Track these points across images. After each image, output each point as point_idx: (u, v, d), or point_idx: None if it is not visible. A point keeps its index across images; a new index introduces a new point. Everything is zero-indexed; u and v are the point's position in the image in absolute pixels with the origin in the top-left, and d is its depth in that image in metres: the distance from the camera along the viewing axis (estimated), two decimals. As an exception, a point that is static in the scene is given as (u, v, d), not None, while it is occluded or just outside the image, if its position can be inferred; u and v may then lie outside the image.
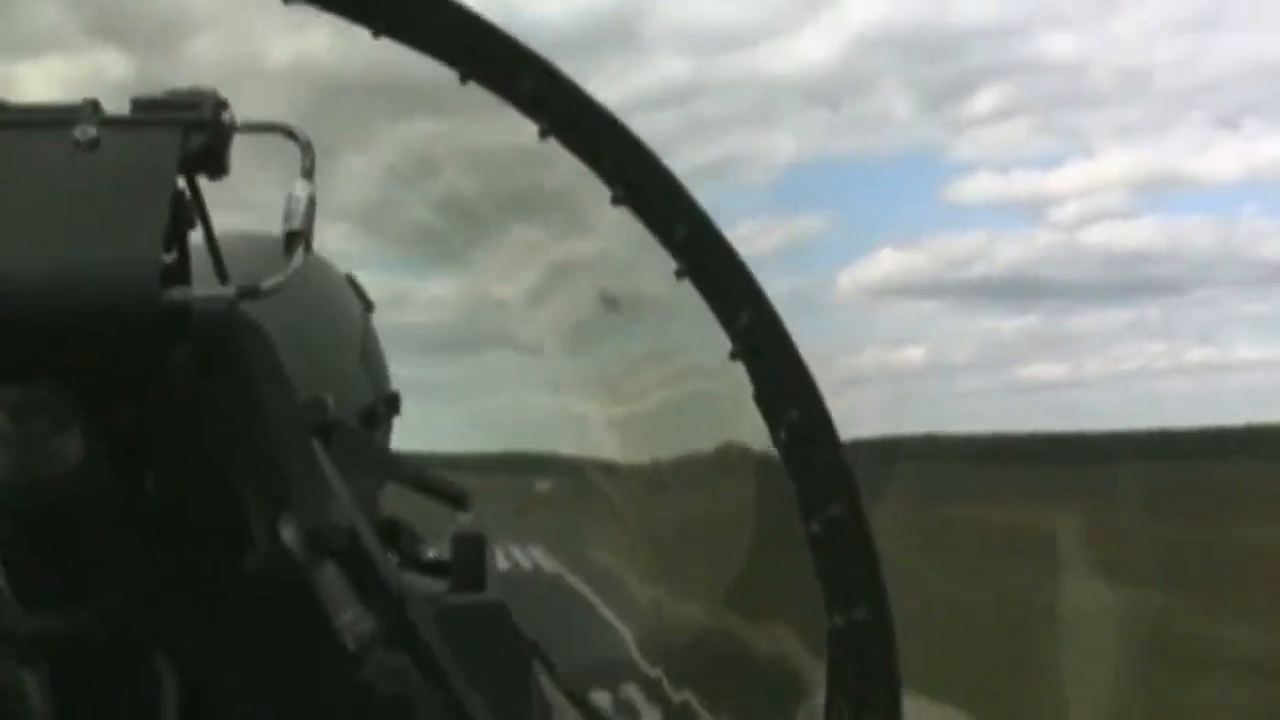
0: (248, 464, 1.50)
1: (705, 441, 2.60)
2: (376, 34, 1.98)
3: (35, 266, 1.40)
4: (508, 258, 2.50)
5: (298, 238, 1.49)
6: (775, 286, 1.96)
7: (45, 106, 1.53)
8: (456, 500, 2.15)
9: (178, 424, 1.50)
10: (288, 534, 1.49)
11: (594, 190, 2.02)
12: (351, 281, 2.16)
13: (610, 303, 2.37)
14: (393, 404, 2.13)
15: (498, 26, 1.97)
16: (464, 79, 1.99)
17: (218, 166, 1.53)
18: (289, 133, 1.57)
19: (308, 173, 1.53)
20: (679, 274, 2.00)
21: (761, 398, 1.97)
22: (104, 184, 1.45)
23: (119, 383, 1.45)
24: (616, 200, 2.00)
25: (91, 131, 1.47)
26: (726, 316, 1.98)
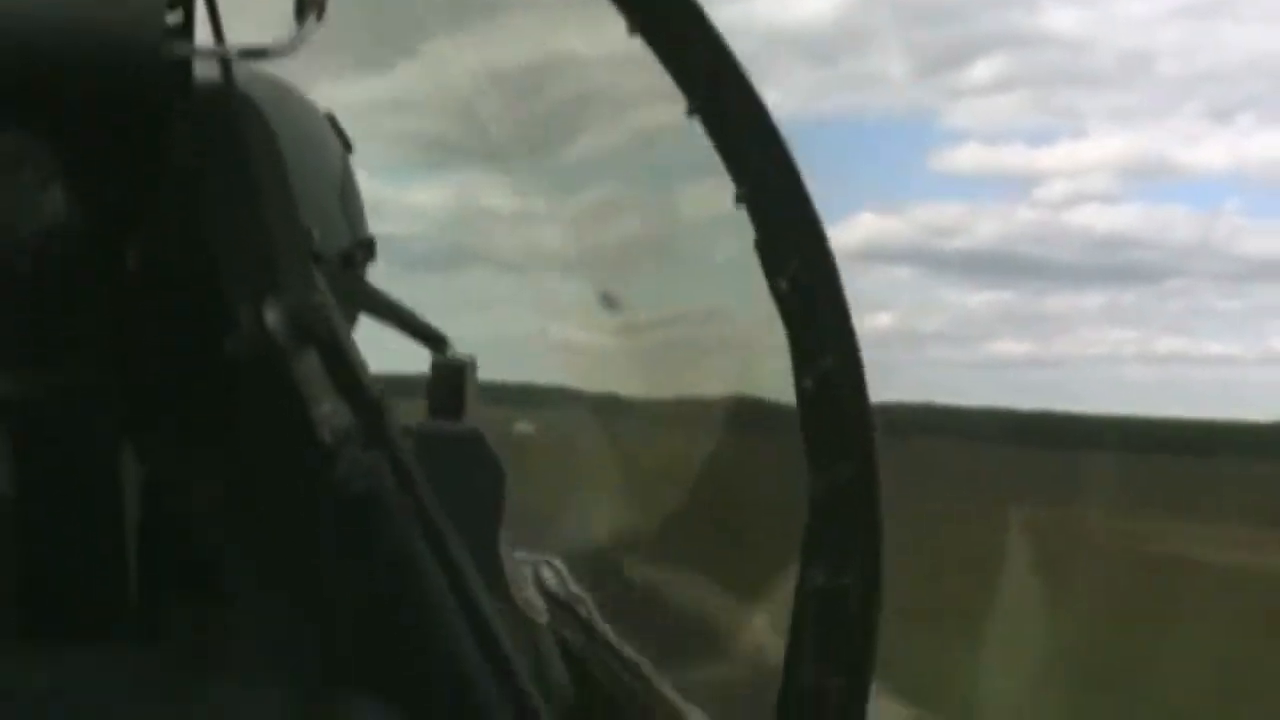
0: (237, 240, 1.48)
1: (688, 386, 2.54)
2: None
3: (33, 11, 1.38)
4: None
5: (310, 3, 1.47)
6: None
7: None
8: (435, 341, 2.15)
9: (169, 194, 1.47)
10: (272, 316, 1.47)
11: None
12: (332, 121, 2.10)
13: (610, 301, 2.36)
14: (369, 248, 2.08)
15: None
16: None
17: None
18: None
19: None
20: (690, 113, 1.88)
21: (764, 246, 1.89)
22: None
23: (112, 143, 1.43)
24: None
25: None
26: (734, 157, 1.88)
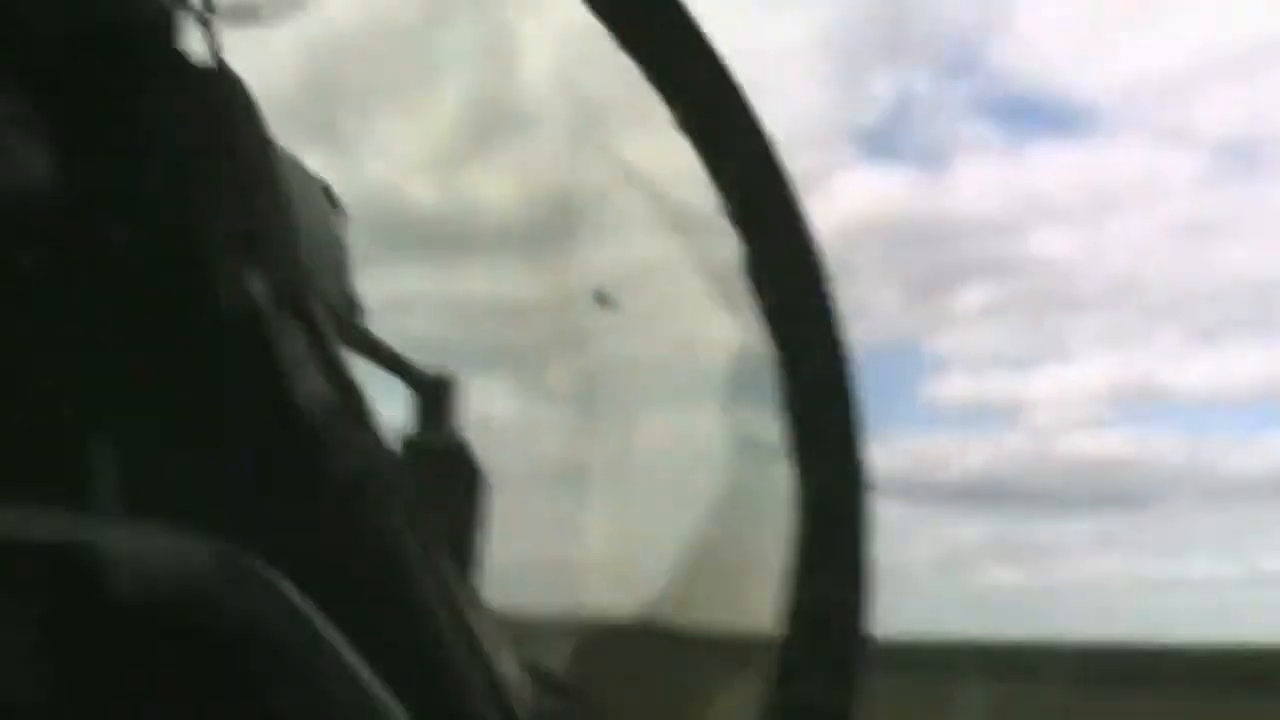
0: (222, 202, 1.45)
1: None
2: None
3: None
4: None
5: None
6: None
7: None
8: (405, 371, 2.06)
9: (150, 154, 1.44)
10: (255, 284, 1.44)
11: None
12: (327, 190, 2.06)
13: (603, 299, 2.32)
14: (360, 315, 2.02)
15: None
16: None
17: None
18: None
19: None
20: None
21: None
22: None
23: (95, 98, 1.40)
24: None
25: None
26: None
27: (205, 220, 1.46)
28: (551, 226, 2.09)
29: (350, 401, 1.51)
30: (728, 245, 1.79)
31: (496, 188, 2.21)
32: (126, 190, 1.45)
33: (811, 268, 1.76)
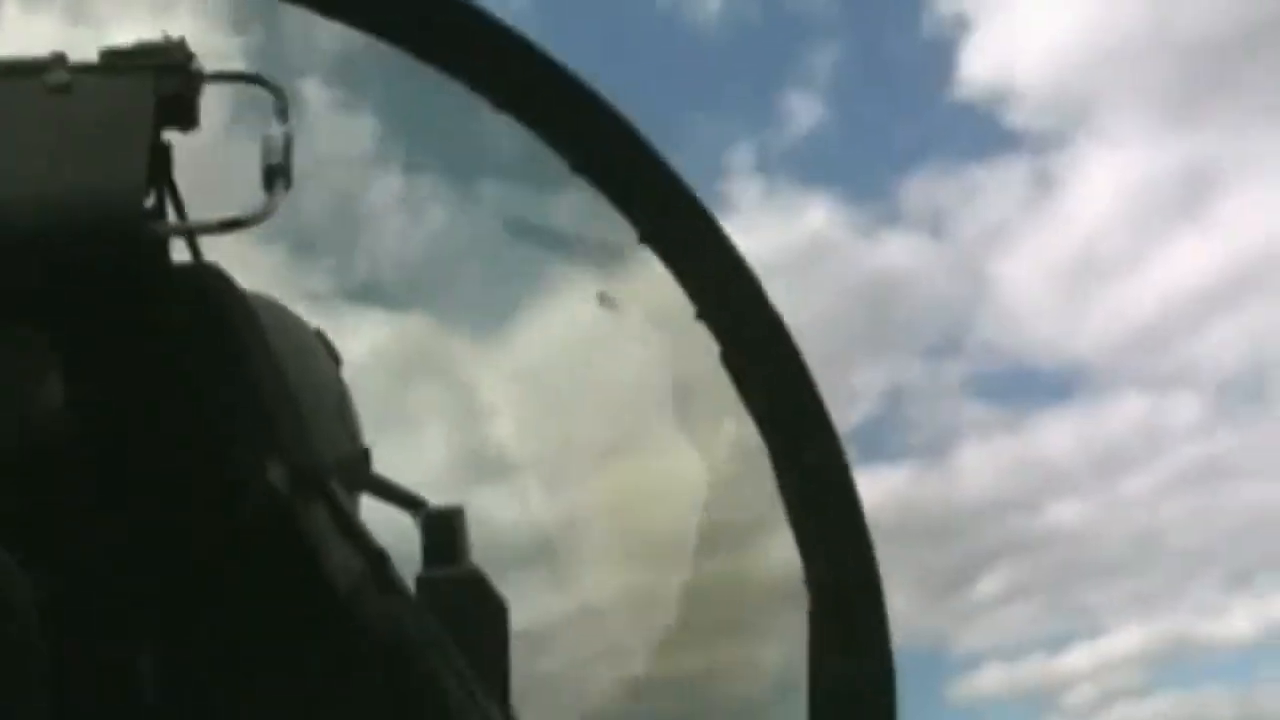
0: (232, 405, 1.52)
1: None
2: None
3: (16, 202, 1.42)
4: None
5: (277, 172, 1.53)
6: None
7: (14, 59, 1.56)
8: (412, 504, 2.16)
9: (161, 370, 1.51)
10: (275, 473, 1.50)
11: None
12: (320, 336, 2.14)
13: (606, 300, 2.34)
14: (367, 457, 2.10)
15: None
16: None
17: (189, 117, 1.57)
18: (261, 81, 1.62)
19: (282, 113, 1.58)
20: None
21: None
22: (81, 125, 1.48)
23: (101, 323, 1.46)
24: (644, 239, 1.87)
25: (64, 77, 1.51)
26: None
27: (218, 421, 1.53)
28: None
29: (376, 566, 1.59)
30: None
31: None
32: (140, 406, 1.51)
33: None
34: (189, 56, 1.57)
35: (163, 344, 1.50)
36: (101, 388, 1.48)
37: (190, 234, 1.52)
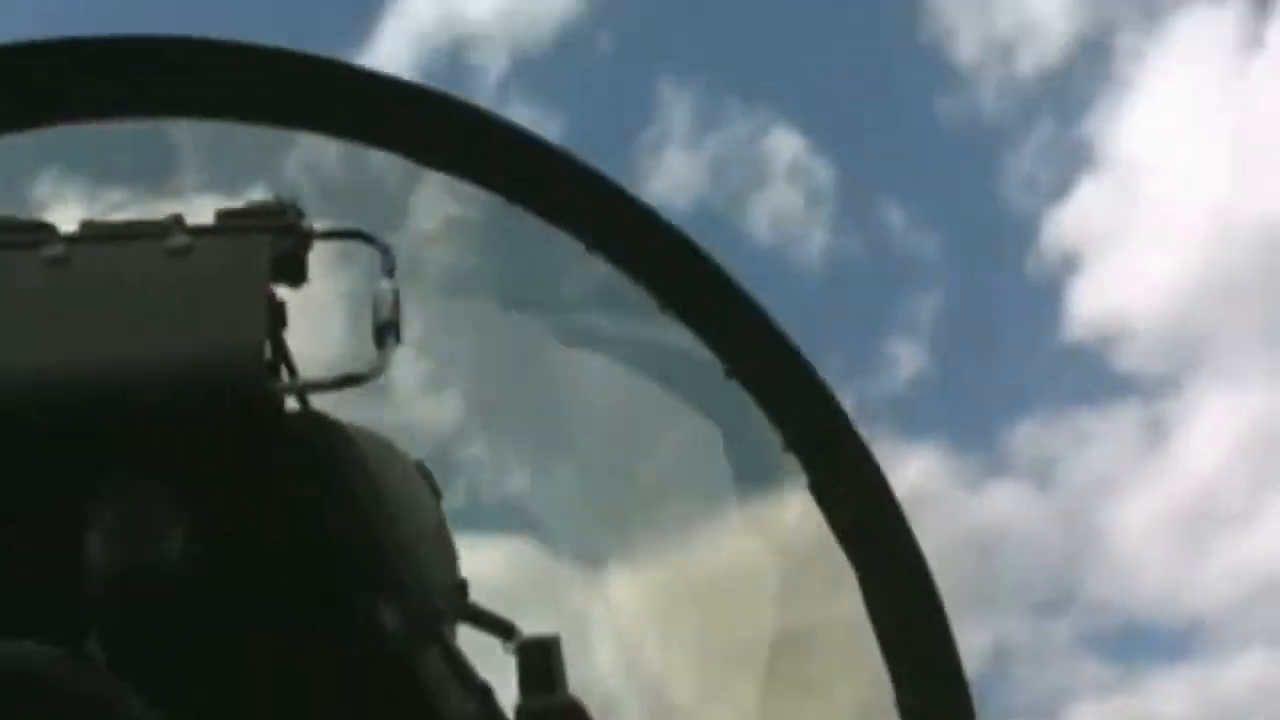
0: (346, 550, 1.57)
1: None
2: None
3: (144, 364, 1.49)
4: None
5: (388, 329, 1.58)
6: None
7: (134, 221, 1.64)
8: (505, 631, 2.13)
9: (275, 516, 1.56)
10: (389, 616, 1.55)
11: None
12: (420, 467, 2.13)
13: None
14: (464, 590, 2.09)
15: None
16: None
17: (299, 273, 1.63)
18: (367, 237, 1.68)
19: (390, 271, 1.63)
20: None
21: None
22: (200, 287, 1.54)
23: (220, 474, 1.52)
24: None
25: (183, 240, 1.58)
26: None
27: (333, 566, 1.58)
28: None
29: (483, 703, 1.64)
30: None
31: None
32: (256, 552, 1.57)
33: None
34: (300, 215, 1.65)
35: (277, 491, 1.55)
36: (220, 535, 1.52)
37: (307, 391, 1.59)
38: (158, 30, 1.97)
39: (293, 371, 1.64)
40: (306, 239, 1.64)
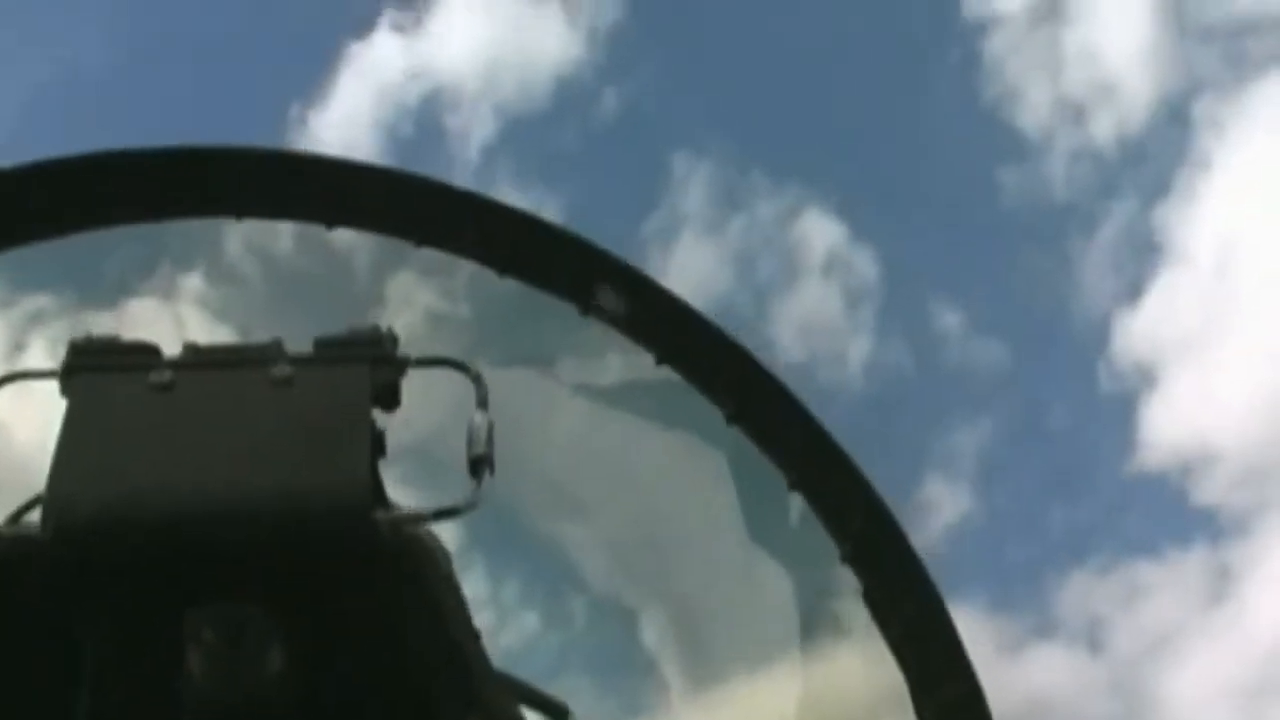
0: (438, 666, 1.62)
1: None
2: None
3: (250, 495, 1.53)
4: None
5: (482, 461, 1.63)
6: None
7: (238, 347, 1.71)
8: (558, 713, 2.18)
9: (372, 636, 1.61)
10: None
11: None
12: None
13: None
14: (479, 639, 2.11)
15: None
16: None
17: (393, 399, 1.67)
18: (460, 366, 1.72)
19: (483, 402, 1.68)
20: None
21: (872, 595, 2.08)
22: (304, 417, 1.59)
23: (322, 601, 1.57)
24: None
25: (287, 369, 1.62)
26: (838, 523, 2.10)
27: (425, 680, 1.63)
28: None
29: None
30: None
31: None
32: (353, 671, 1.62)
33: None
34: (395, 343, 1.69)
35: (375, 612, 1.60)
36: (319, 660, 1.58)
37: (407, 524, 1.61)
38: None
39: (385, 500, 1.67)
40: (401, 367, 1.68)
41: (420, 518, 1.60)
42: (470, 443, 1.64)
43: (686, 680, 2.40)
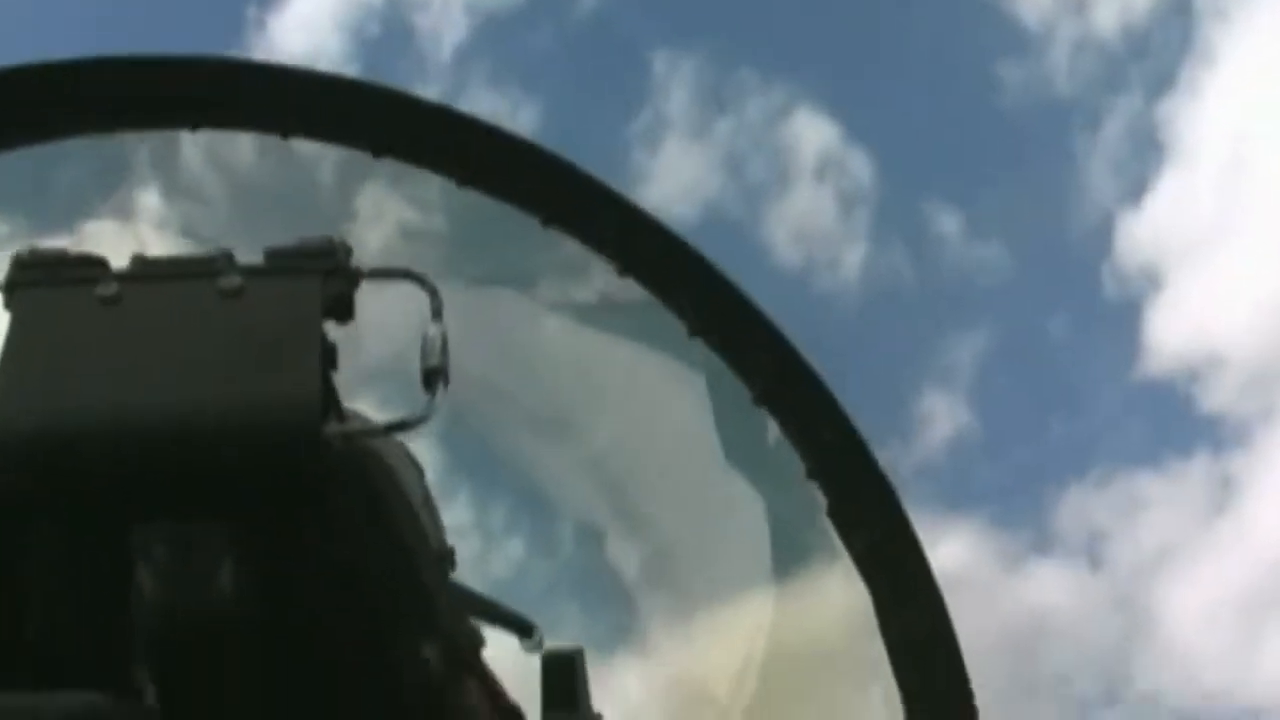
0: (393, 589, 1.59)
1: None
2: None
3: (199, 409, 1.49)
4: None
5: (436, 373, 1.59)
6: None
7: (185, 259, 1.65)
8: (523, 629, 2.19)
9: (324, 557, 1.57)
10: (430, 651, 1.58)
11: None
12: (406, 452, 2.14)
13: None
14: (452, 558, 2.11)
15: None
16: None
17: (346, 311, 1.63)
18: (418, 278, 1.67)
19: (437, 313, 1.63)
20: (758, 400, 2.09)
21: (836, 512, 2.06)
22: (254, 329, 1.54)
23: (272, 516, 1.53)
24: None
25: (236, 280, 1.57)
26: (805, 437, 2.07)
27: (379, 604, 1.60)
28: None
29: None
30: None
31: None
32: (305, 593, 1.58)
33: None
34: (349, 254, 1.64)
35: (325, 532, 1.56)
36: (270, 575, 1.54)
37: (358, 437, 1.58)
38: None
39: (340, 414, 1.64)
40: (355, 279, 1.64)
41: (372, 430, 1.57)
42: (424, 354, 1.60)
43: (660, 605, 2.38)
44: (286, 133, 2.21)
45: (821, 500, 2.05)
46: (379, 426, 1.57)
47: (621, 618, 2.37)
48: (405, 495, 1.64)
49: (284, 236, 2.06)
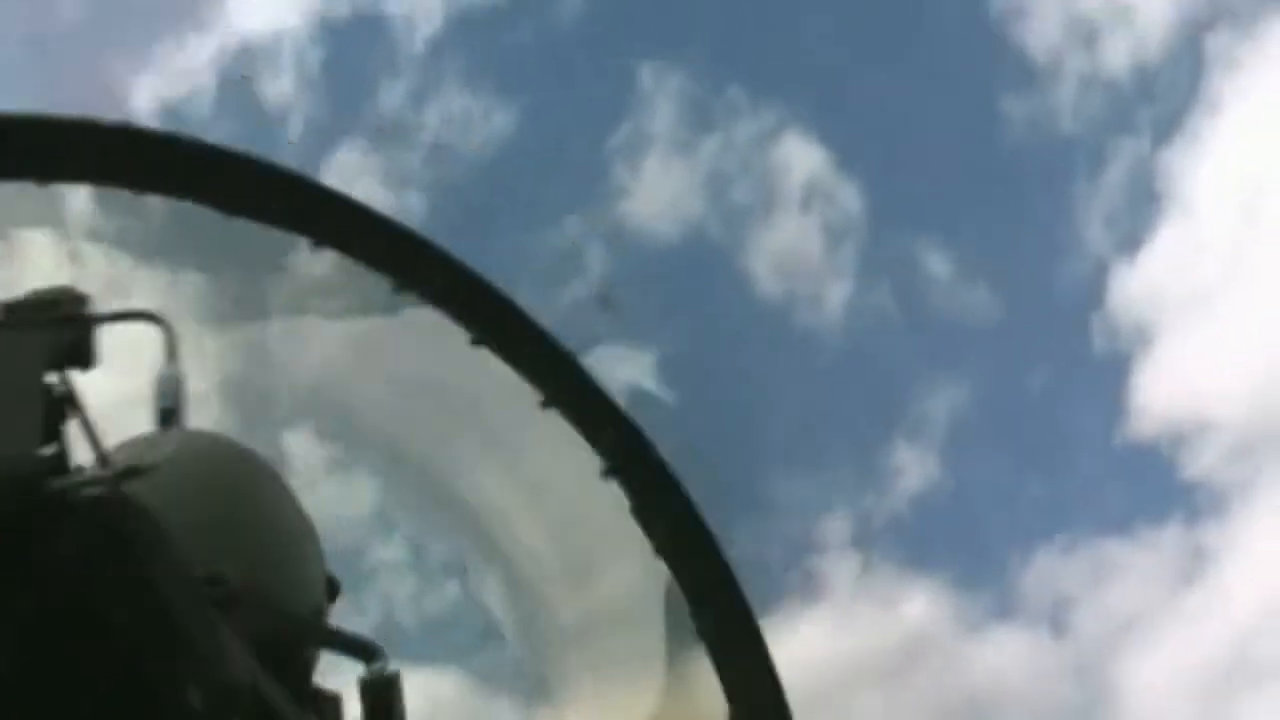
0: (142, 632, 1.55)
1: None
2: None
3: None
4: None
5: (170, 415, 1.62)
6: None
7: None
8: (367, 652, 2.14)
9: (69, 607, 1.54)
10: (195, 697, 1.54)
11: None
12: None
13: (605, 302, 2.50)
14: (335, 586, 2.16)
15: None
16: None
17: (85, 359, 1.62)
18: (152, 318, 1.69)
19: (172, 353, 1.65)
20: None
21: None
22: None
23: (9, 576, 1.50)
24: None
25: None
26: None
27: (129, 649, 1.56)
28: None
29: None
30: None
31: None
32: (51, 644, 1.55)
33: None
34: (82, 302, 1.64)
35: (73, 584, 1.54)
36: (13, 628, 1.52)
37: (86, 488, 1.55)
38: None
39: (66, 467, 1.61)
40: (89, 324, 1.64)
41: (99, 481, 1.54)
42: (159, 395, 1.61)
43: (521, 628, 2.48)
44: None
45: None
46: (106, 475, 1.55)
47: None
48: (159, 537, 1.60)
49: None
